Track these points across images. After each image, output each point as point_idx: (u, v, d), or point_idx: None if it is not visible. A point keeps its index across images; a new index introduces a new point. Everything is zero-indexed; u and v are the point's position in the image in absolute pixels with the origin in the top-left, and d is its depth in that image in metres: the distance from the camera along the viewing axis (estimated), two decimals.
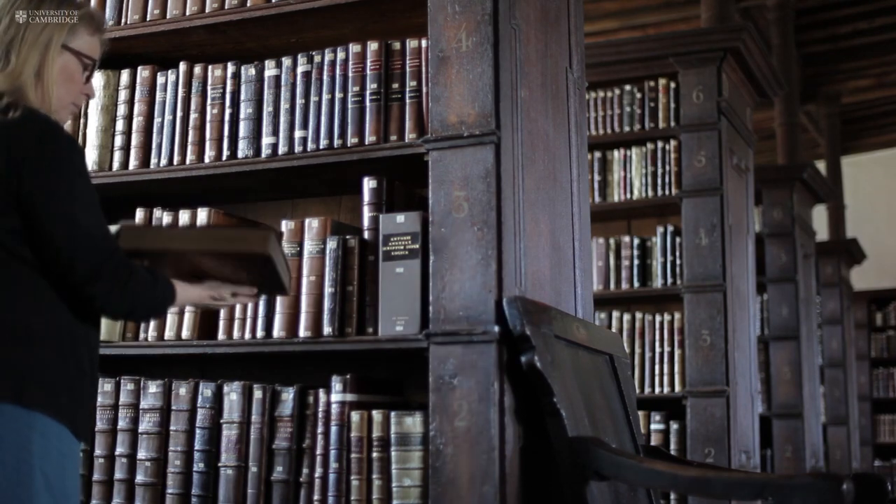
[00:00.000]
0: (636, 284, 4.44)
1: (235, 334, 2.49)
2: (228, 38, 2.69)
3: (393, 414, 2.26)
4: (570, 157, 2.67)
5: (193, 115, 2.63)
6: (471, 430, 2.11)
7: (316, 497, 2.31)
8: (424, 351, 2.19)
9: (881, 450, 9.34)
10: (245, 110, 2.57)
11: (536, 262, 2.37)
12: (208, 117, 2.62)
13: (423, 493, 2.20)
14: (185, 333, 2.54)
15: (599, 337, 2.59)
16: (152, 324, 2.57)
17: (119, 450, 2.52)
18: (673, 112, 4.41)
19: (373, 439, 2.27)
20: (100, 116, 2.74)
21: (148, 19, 2.69)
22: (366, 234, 2.39)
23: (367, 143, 2.42)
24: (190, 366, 2.69)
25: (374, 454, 2.26)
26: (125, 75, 2.74)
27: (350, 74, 2.47)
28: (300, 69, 2.53)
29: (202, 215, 2.58)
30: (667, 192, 4.39)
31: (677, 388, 4.23)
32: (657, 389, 4.28)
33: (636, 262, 4.45)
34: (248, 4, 2.57)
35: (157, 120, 2.69)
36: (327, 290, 2.38)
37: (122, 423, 2.53)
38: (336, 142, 2.45)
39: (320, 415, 2.35)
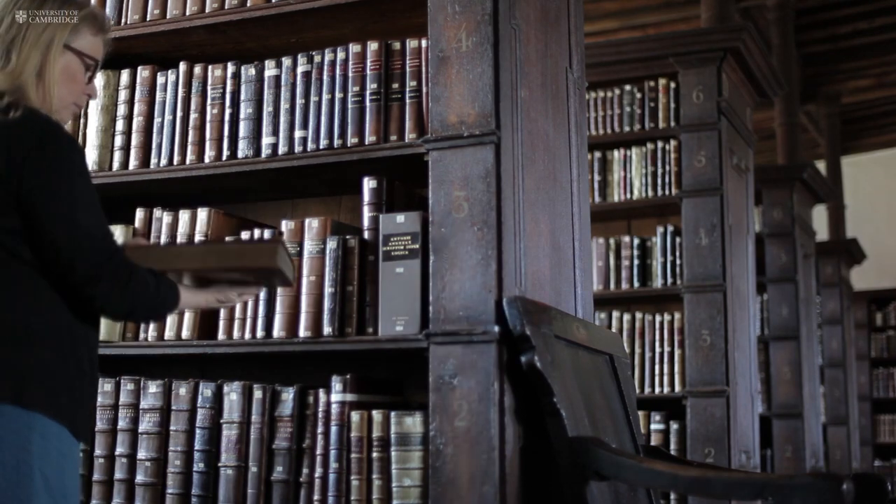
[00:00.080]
0: (636, 284, 4.44)
1: (235, 334, 2.49)
2: (228, 38, 2.69)
3: (393, 414, 2.25)
4: (570, 157, 2.67)
5: (193, 115, 2.63)
6: (471, 430, 2.11)
7: (316, 497, 2.31)
8: (424, 351, 2.19)
9: (881, 450, 9.34)
10: (245, 110, 2.57)
11: (536, 262, 2.37)
12: (208, 117, 2.62)
13: (423, 493, 2.20)
14: (185, 333, 2.54)
15: (599, 337, 2.59)
16: (152, 324, 2.58)
17: (119, 450, 2.52)
18: (673, 112, 4.41)
19: (373, 439, 2.27)
20: (100, 116, 2.74)
21: (148, 19, 2.69)
22: (366, 234, 2.39)
23: (367, 143, 2.42)
24: (190, 366, 2.69)
25: (374, 454, 2.26)
26: (125, 75, 2.74)
27: (350, 74, 2.47)
28: (300, 69, 2.53)
29: (202, 215, 2.58)
30: (667, 192, 4.39)
31: (677, 388, 4.23)
32: (657, 389, 4.28)
33: (636, 262, 4.45)
34: (248, 4, 2.57)
35: (157, 120, 2.69)
36: (327, 290, 2.38)
37: (122, 423, 2.53)
38: (336, 142, 2.45)
39: (320, 415, 2.35)
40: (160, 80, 2.70)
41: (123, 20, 2.72)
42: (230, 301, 2.12)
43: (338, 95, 2.47)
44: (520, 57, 2.34)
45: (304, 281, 2.41)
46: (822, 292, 7.49)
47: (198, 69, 2.66)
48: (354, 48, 2.47)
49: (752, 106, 4.87)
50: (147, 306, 1.93)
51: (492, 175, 2.18)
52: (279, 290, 2.41)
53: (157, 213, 2.65)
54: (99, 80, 2.71)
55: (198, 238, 2.57)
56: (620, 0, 7.77)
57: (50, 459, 1.77)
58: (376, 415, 2.28)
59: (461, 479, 2.10)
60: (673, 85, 4.42)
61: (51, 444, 1.78)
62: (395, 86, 2.42)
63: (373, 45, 2.45)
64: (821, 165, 9.01)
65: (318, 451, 2.33)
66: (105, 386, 2.54)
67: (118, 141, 2.71)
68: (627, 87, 4.54)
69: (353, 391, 2.32)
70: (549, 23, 2.58)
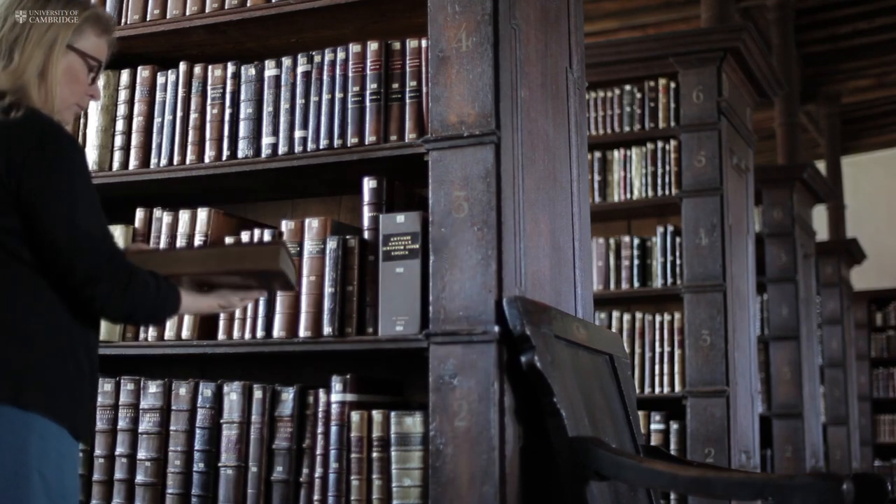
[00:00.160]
0: (636, 284, 4.44)
1: (235, 334, 2.49)
2: (228, 38, 2.69)
3: (393, 414, 2.25)
4: (570, 157, 2.67)
5: (193, 115, 2.63)
6: (471, 430, 2.11)
7: (316, 497, 2.31)
8: (424, 351, 2.19)
9: (881, 450, 9.33)
10: (245, 110, 2.57)
11: (536, 262, 2.37)
12: (208, 117, 2.62)
13: (423, 493, 2.20)
14: (185, 333, 2.54)
15: (599, 337, 2.59)
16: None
17: (119, 450, 2.52)
18: (673, 112, 4.41)
19: (373, 439, 2.27)
20: (100, 116, 2.74)
21: (148, 19, 2.69)
22: (366, 234, 2.39)
23: (367, 143, 2.42)
24: (190, 366, 2.69)
25: (374, 454, 2.26)
26: (125, 75, 2.74)
27: (350, 74, 2.47)
28: (300, 69, 2.53)
29: (202, 215, 2.58)
30: (667, 192, 4.39)
31: (677, 388, 4.23)
32: (657, 389, 4.28)
33: (636, 262, 4.45)
34: (248, 4, 2.57)
35: (157, 120, 2.69)
36: (327, 290, 2.38)
37: (122, 423, 2.53)
38: (336, 142, 2.45)
39: (320, 415, 2.35)
40: (160, 80, 2.70)
41: (123, 20, 2.72)
42: (232, 306, 2.11)
43: (338, 95, 2.47)
44: (520, 57, 2.34)
45: (304, 281, 2.41)
46: (822, 292, 7.49)
47: (198, 69, 2.66)
48: (354, 48, 2.47)
49: (752, 106, 4.87)
50: (147, 308, 1.91)
51: (492, 175, 2.18)
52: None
53: (157, 213, 2.65)
54: (99, 80, 2.70)
55: (198, 239, 2.57)
56: (620, 0, 7.77)
57: (48, 460, 1.77)
58: (376, 415, 2.28)
59: (461, 479, 2.10)
60: (673, 85, 4.41)
61: (49, 444, 1.78)
62: (395, 86, 2.42)
63: (373, 45, 2.45)
64: (821, 165, 9.01)
65: (318, 451, 2.33)
66: (105, 386, 2.54)
67: (118, 141, 2.71)
68: (627, 87, 4.54)
69: (353, 391, 2.32)
70: (549, 23, 2.58)
